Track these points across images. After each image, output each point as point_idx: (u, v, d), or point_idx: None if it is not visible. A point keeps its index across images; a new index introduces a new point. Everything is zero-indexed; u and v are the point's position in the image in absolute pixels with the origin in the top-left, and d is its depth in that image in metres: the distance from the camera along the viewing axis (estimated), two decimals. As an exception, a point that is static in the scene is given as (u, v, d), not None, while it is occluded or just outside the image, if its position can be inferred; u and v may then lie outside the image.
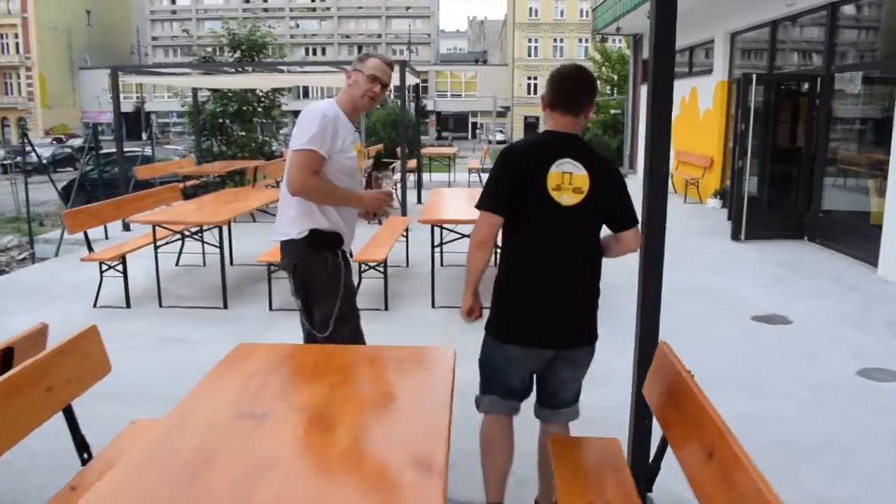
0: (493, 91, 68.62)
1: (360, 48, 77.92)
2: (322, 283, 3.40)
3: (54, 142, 42.95)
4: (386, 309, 6.53)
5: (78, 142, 38.67)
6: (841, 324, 6.15)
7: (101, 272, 6.80)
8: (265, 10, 78.65)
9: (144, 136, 29.24)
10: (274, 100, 17.16)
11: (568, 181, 2.68)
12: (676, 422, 2.34)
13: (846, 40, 9.83)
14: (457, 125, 71.88)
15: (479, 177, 16.95)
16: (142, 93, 61.94)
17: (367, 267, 6.49)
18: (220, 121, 16.48)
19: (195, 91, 14.40)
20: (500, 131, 67.21)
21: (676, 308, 6.56)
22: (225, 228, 6.80)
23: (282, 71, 14.01)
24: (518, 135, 67.29)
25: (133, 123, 51.48)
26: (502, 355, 2.82)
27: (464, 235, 7.02)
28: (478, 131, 70.65)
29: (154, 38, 79.27)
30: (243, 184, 12.47)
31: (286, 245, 3.43)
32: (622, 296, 4.38)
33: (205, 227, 7.41)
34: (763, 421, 4.19)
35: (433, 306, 6.59)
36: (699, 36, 14.46)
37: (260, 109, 17.12)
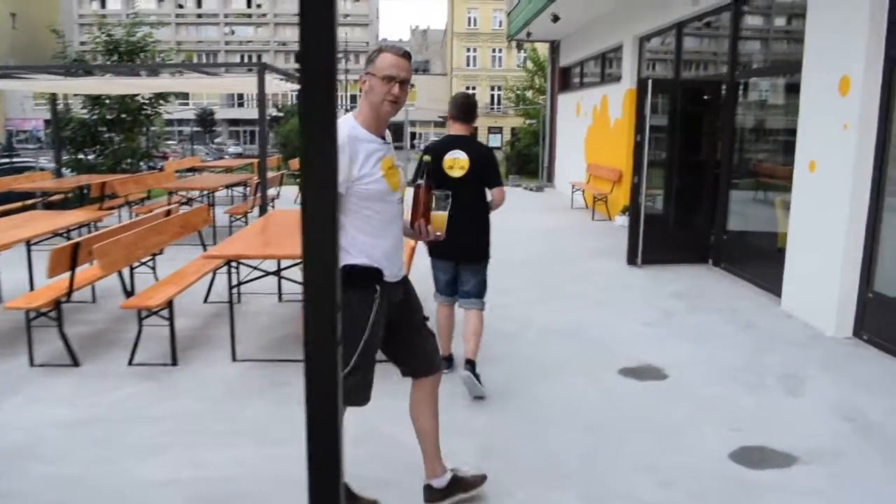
0: (432, 100, 67.70)
1: (296, 56, 76.13)
2: (345, 325, 2.33)
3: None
4: (174, 364, 5.23)
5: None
6: (725, 378, 5.06)
7: None
8: (199, 15, 76.61)
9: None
10: (156, 106, 15.70)
11: (456, 163, 4.60)
12: None
13: (750, 46, 8.90)
14: (394, 135, 70.51)
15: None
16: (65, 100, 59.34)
17: (147, 313, 5.18)
18: (95, 129, 14.97)
19: (53, 97, 12.85)
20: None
21: (528, 358, 5.50)
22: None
23: (155, 74, 12.59)
24: (457, 145, 66.34)
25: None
26: (434, 266, 4.92)
27: (268, 273, 5.82)
28: (415, 141, 69.65)
29: (82, 44, 76.31)
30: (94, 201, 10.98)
31: None
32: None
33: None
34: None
35: (234, 359, 5.32)
36: (609, 41, 13.51)
37: (142, 117, 15.65)
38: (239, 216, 10.29)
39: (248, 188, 11.24)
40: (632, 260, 8.79)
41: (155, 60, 15.54)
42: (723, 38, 9.18)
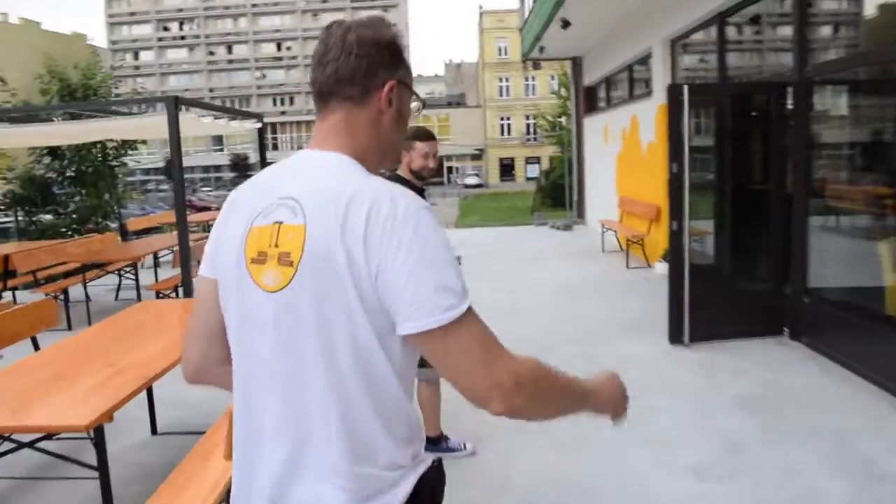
0: (467, 133, 65.94)
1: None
2: None
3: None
4: None
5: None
6: None
7: None
8: (230, 61, 76.53)
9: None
10: (121, 155, 13.76)
11: None
12: None
13: (825, 31, 6.43)
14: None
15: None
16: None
17: None
18: (46, 186, 13.08)
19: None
20: (476, 174, 64.47)
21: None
22: None
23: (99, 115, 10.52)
24: (493, 177, 64.56)
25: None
26: None
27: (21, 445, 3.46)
28: (452, 175, 67.85)
29: (117, 95, 76.64)
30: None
31: None
32: None
33: None
34: None
35: None
36: (635, 49, 11.13)
37: (106, 169, 13.72)
38: (167, 292, 8.10)
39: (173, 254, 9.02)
40: (676, 337, 6.30)
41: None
42: (783, 24, 6.75)
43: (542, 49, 13.63)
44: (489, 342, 1.25)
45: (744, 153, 6.74)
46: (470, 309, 1.24)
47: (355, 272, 1.20)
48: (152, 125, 7.88)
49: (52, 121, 11.19)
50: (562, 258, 11.53)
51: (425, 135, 3.71)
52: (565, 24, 10.44)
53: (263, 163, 10.18)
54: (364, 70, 1.38)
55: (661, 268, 9.20)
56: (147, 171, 57.61)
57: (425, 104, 1.60)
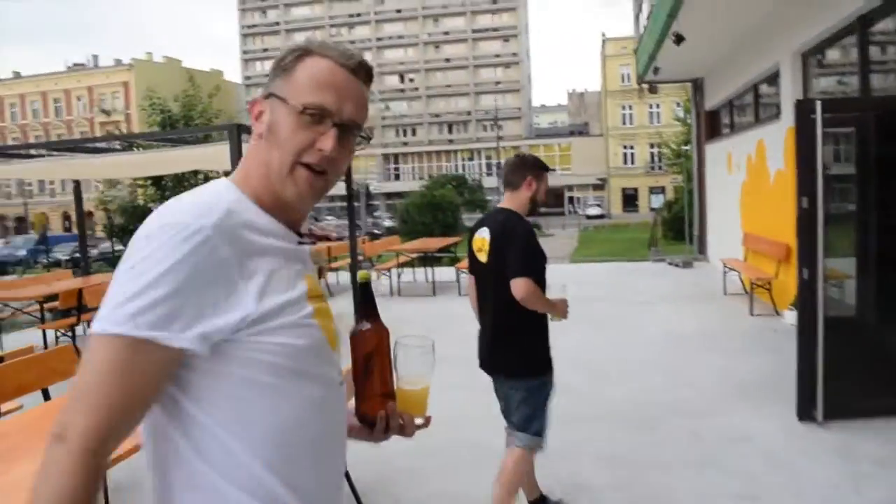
0: (589, 163, 64.53)
1: (450, 127, 76.10)
2: None
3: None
4: None
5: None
6: None
7: None
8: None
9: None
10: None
11: (482, 244, 3.49)
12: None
13: None
14: (554, 199, 68.33)
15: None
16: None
17: None
18: (145, 215, 13.06)
19: (77, 185, 10.89)
20: (598, 204, 62.81)
21: None
22: None
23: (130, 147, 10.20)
24: (616, 207, 62.73)
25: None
26: None
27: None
28: (574, 205, 66.46)
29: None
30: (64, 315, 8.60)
31: None
32: None
33: None
34: None
35: None
36: (760, 66, 9.88)
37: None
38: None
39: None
40: (806, 412, 5.09)
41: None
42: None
43: (656, 70, 12.48)
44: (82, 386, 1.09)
45: (892, 182, 5.47)
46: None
47: None
48: (214, 155, 7.41)
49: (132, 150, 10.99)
50: (677, 301, 10.29)
51: (546, 165, 3.62)
52: (678, 38, 9.36)
53: (350, 193, 9.58)
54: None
55: (791, 317, 7.89)
56: (332, 198, 58.97)
57: (369, 137, 1.39)
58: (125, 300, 1.07)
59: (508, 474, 3.39)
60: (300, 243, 1.34)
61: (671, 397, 5.79)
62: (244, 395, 1.19)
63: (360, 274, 1.53)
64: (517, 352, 3.39)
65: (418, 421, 1.53)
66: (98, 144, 9.74)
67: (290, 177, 1.27)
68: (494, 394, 3.60)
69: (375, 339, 1.44)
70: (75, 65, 70.84)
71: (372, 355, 1.44)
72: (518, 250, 3.28)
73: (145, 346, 1.06)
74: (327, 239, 29.50)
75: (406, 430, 1.50)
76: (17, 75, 71.63)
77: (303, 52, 1.31)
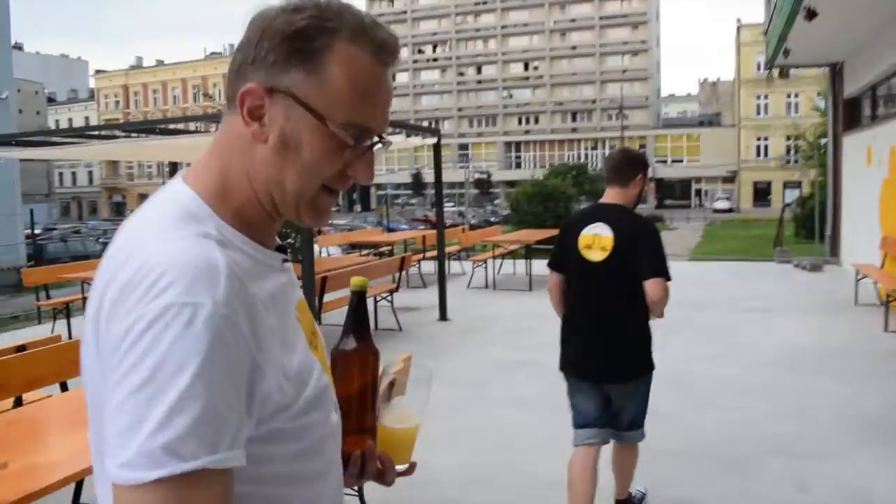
0: (718, 154, 61.72)
1: (573, 115, 74.74)
2: None
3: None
4: None
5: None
6: None
7: None
8: (479, 81, 78.35)
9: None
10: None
11: (597, 242, 3.25)
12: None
13: None
14: (681, 191, 66.08)
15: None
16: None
17: None
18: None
19: (173, 168, 10.95)
20: (727, 198, 59.94)
21: None
22: None
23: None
24: (746, 202, 59.72)
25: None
26: (570, 387, 3.43)
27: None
28: (702, 198, 63.83)
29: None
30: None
31: None
32: None
33: None
34: None
35: None
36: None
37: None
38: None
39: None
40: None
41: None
42: None
43: (787, 52, 11.32)
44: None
45: None
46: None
47: None
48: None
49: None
50: (799, 311, 9.22)
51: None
52: (810, 14, 8.30)
53: (438, 181, 9.29)
54: (237, 65, 0.99)
55: (934, 336, 6.82)
56: (451, 185, 59.60)
57: (386, 141, 1.07)
58: (155, 430, 0.79)
59: (633, 462, 3.55)
60: (284, 261, 1.10)
61: (775, 431, 4.94)
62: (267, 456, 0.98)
63: (354, 281, 1.28)
64: (639, 352, 3.37)
65: (399, 467, 1.30)
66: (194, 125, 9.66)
67: (311, 205, 1.03)
68: (576, 404, 3.43)
69: (360, 362, 1.22)
70: (212, 53, 74.24)
71: (353, 381, 1.22)
72: (658, 250, 3.25)
73: (197, 479, 0.80)
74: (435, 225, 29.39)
75: (385, 476, 1.27)
76: (160, 63, 75.79)
77: (329, 35, 0.98)
